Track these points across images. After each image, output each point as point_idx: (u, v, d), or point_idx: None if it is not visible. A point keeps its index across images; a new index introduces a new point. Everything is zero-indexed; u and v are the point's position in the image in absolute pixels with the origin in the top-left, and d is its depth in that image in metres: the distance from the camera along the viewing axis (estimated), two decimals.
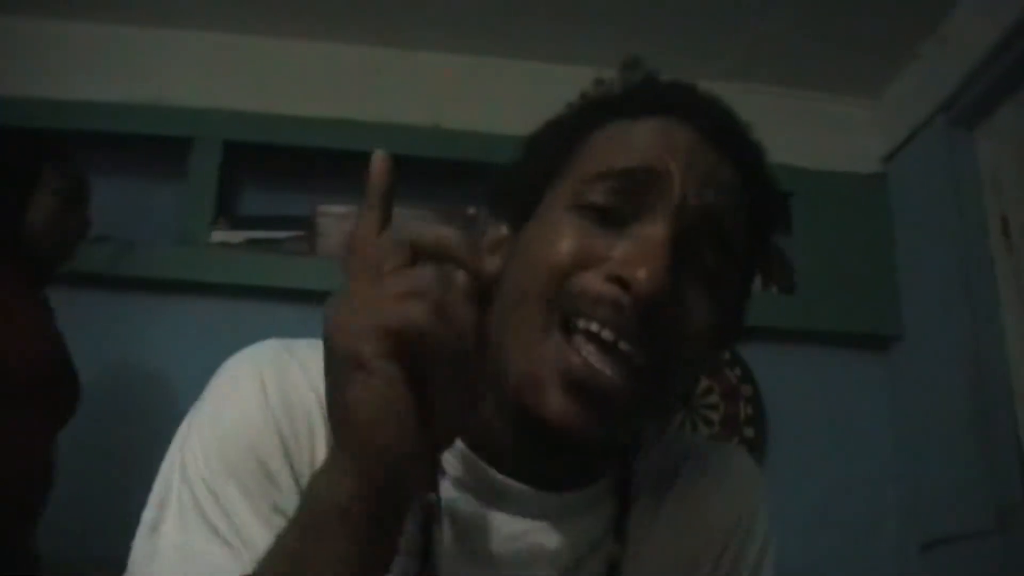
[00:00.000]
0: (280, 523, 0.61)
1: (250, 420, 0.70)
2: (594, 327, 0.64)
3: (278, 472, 0.69)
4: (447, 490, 0.72)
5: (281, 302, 2.26)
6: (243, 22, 2.44)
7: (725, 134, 0.73)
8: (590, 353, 0.64)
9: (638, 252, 0.64)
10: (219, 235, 2.29)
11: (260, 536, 0.64)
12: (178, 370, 2.15)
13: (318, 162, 2.44)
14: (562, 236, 0.67)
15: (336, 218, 2.30)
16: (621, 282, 0.63)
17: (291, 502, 0.64)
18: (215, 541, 0.65)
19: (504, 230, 0.76)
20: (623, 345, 0.64)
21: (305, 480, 0.65)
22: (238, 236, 2.30)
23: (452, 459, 0.72)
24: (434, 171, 2.33)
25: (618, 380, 0.64)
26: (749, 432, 2.31)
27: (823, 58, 2.43)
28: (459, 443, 0.72)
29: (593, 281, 0.65)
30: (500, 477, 0.72)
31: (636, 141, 0.71)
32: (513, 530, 0.72)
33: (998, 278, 2.13)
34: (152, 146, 2.40)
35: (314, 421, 0.71)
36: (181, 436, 0.73)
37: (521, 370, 0.66)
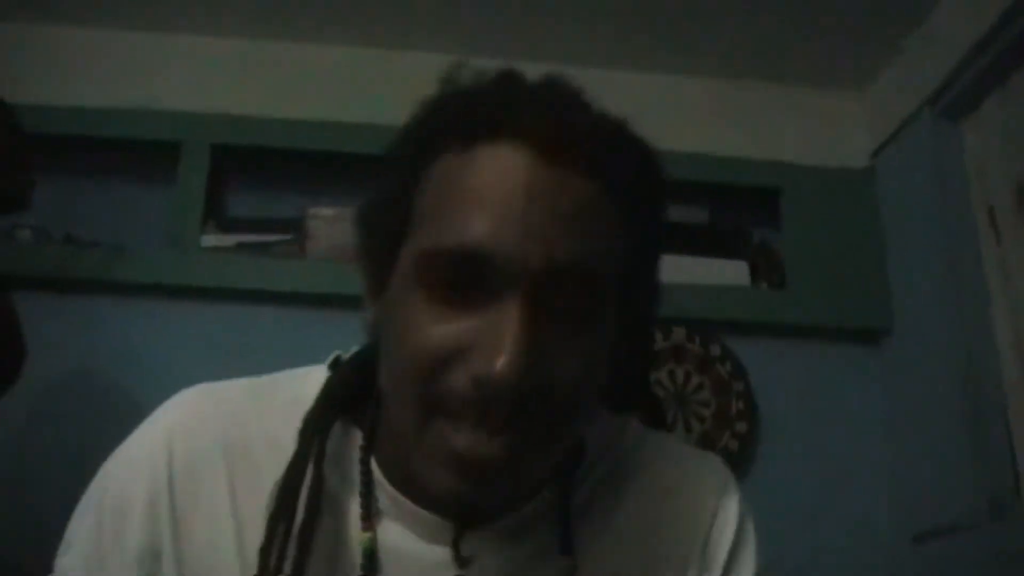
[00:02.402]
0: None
1: (131, 468, 0.77)
2: (467, 425, 0.65)
3: (133, 527, 0.74)
4: (385, 526, 0.75)
5: (271, 305, 2.26)
6: (231, 26, 2.44)
7: (567, 142, 0.68)
8: (468, 438, 0.65)
9: (491, 339, 0.63)
10: (209, 239, 2.29)
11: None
12: (169, 374, 2.15)
13: (307, 164, 2.44)
14: (420, 328, 0.66)
15: (326, 220, 2.30)
16: (483, 380, 0.63)
17: (133, 553, 0.74)
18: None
19: (374, 279, 0.76)
20: (498, 435, 0.65)
21: (188, 528, 0.74)
22: (228, 240, 2.30)
23: (386, 500, 0.75)
24: None
25: (498, 456, 0.65)
26: (741, 427, 2.31)
27: (809, 53, 2.43)
28: (390, 486, 0.75)
29: (458, 382, 0.64)
30: (423, 512, 0.74)
31: (469, 199, 0.66)
32: (441, 558, 0.74)
33: (986, 269, 2.14)
34: (141, 150, 2.40)
35: (213, 487, 0.75)
36: None
37: (412, 452, 0.68)
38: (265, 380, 0.83)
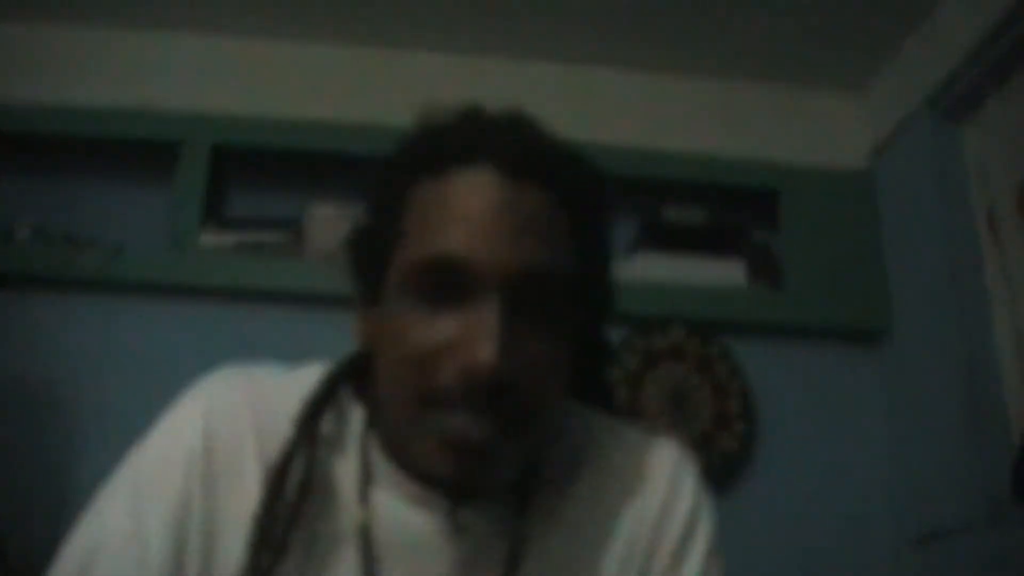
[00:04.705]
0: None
1: (170, 438, 0.84)
2: (457, 411, 0.74)
3: (168, 492, 0.81)
4: (380, 497, 0.83)
5: (270, 304, 2.26)
6: (230, 25, 2.44)
7: (526, 161, 0.79)
8: (459, 421, 0.74)
9: (473, 334, 0.73)
10: (208, 238, 2.28)
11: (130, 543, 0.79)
12: (168, 374, 2.14)
13: (306, 164, 2.44)
14: (412, 330, 0.76)
15: (325, 220, 2.30)
16: (468, 370, 0.73)
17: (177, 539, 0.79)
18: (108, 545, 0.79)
19: (366, 297, 0.86)
20: (483, 417, 0.74)
21: (219, 496, 0.81)
22: (227, 239, 2.29)
23: (382, 472, 0.84)
24: None
25: (486, 436, 0.74)
26: (740, 428, 2.31)
27: (809, 54, 2.43)
28: (385, 460, 0.84)
29: (446, 374, 0.74)
30: (417, 487, 0.82)
31: (445, 215, 0.77)
32: (425, 524, 0.82)
33: (986, 271, 2.14)
34: (140, 150, 2.39)
35: (243, 460, 0.83)
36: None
37: (409, 441, 0.78)
38: (293, 367, 0.91)
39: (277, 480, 0.80)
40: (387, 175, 0.85)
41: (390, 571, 0.81)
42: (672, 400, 2.32)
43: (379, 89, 2.46)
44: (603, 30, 2.38)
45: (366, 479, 0.83)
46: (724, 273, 2.39)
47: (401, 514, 0.82)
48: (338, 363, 0.89)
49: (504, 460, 0.77)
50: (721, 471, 2.27)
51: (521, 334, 0.75)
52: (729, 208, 2.52)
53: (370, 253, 0.84)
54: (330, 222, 2.29)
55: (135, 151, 2.40)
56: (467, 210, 0.77)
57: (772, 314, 2.39)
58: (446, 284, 0.75)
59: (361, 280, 0.86)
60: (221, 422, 0.84)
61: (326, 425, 0.85)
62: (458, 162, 0.79)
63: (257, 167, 2.47)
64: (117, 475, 0.84)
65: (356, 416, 0.86)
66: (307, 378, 0.87)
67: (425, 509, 0.82)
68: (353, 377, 0.88)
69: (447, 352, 0.74)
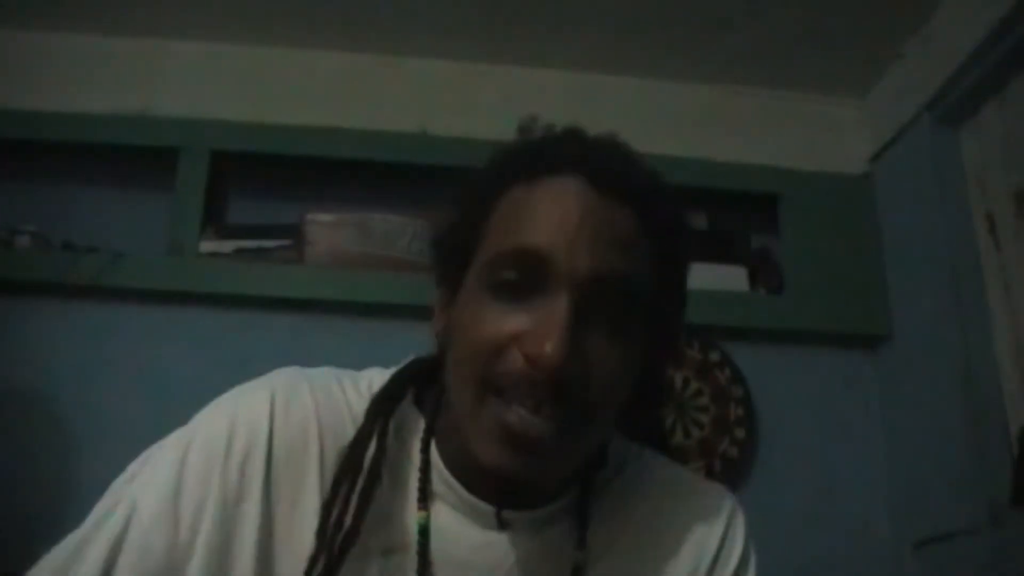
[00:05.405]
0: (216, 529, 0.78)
1: (231, 420, 0.83)
2: (517, 401, 0.76)
3: (225, 471, 0.81)
4: (437, 507, 0.85)
5: (270, 311, 2.26)
6: (229, 31, 2.44)
7: (616, 178, 0.81)
8: (518, 414, 0.75)
9: (542, 328, 0.75)
10: (208, 245, 2.28)
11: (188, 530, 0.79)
12: (167, 380, 2.15)
13: (306, 170, 2.44)
14: (483, 321, 0.78)
15: (325, 226, 2.30)
16: (533, 359, 0.74)
17: (245, 523, 0.80)
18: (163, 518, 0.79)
19: (445, 296, 0.88)
20: (543, 410, 0.76)
21: (279, 488, 0.82)
22: (227, 246, 2.29)
23: (440, 483, 0.86)
24: (422, 177, 2.33)
25: (543, 432, 0.75)
26: (740, 433, 2.31)
27: (808, 59, 2.43)
28: (446, 471, 0.85)
29: (512, 362, 0.76)
30: (471, 497, 0.85)
31: (531, 214, 0.80)
32: (483, 540, 0.85)
33: (985, 275, 2.14)
34: (140, 157, 2.40)
35: (309, 443, 0.84)
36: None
37: (468, 429, 0.79)
38: (350, 371, 0.93)
39: (350, 464, 0.81)
40: (479, 180, 0.87)
41: None
42: (673, 406, 2.32)
43: (379, 95, 2.46)
44: (602, 36, 2.38)
45: (426, 485, 0.85)
46: (724, 278, 2.38)
47: (458, 527, 0.84)
48: (402, 368, 0.91)
49: (559, 458, 0.79)
50: (722, 477, 2.26)
51: (589, 336, 0.77)
52: (729, 213, 2.52)
53: (453, 251, 0.86)
54: (329, 228, 2.29)
55: (134, 158, 2.40)
56: (551, 211, 0.78)
57: (772, 319, 2.38)
58: (522, 277, 0.77)
59: (442, 278, 0.89)
60: (284, 417, 0.84)
61: (391, 428, 0.86)
62: (549, 171, 0.81)
63: (257, 173, 2.47)
64: (160, 450, 0.84)
65: (418, 425, 0.88)
66: (367, 386, 0.88)
67: (476, 522, 0.85)
68: (415, 385, 0.90)
69: (514, 343, 0.76)
